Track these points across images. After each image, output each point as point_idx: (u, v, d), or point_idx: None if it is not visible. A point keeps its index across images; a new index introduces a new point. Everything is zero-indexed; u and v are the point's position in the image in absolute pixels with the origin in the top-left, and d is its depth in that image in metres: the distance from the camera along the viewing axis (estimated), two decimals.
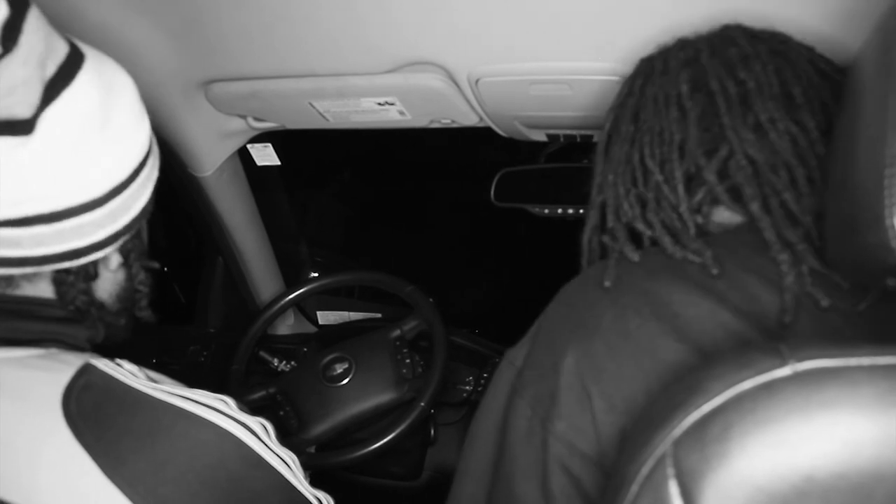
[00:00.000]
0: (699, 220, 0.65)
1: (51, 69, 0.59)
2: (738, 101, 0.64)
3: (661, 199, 0.66)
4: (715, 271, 0.57)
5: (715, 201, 0.65)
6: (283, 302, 1.50)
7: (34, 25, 0.56)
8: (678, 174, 0.65)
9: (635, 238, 0.67)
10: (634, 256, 0.63)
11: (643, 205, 0.67)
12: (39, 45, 0.56)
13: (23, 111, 0.56)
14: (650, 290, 0.58)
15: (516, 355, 0.66)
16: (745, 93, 0.64)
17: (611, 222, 0.68)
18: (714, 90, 0.65)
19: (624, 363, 0.55)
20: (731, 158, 0.63)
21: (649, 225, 0.66)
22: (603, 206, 0.71)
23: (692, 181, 0.65)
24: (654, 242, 0.65)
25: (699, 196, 0.65)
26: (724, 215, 0.65)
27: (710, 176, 0.63)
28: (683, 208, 0.64)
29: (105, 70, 0.65)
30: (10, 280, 0.64)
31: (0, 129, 0.56)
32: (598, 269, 0.65)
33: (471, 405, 1.50)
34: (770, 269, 0.56)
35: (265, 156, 1.35)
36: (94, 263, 0.68)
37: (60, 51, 0.60)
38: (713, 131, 0.65)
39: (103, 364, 0.61)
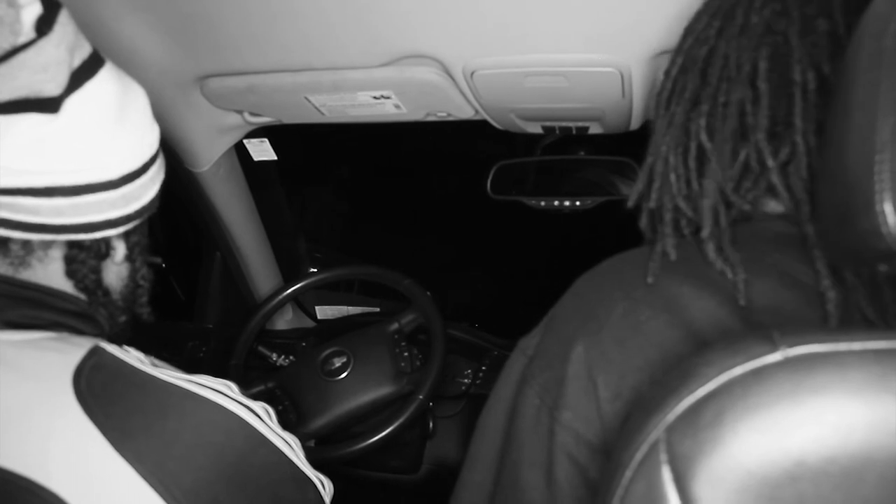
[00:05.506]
0: (746, 207, 0.61)
1: (77, 61, 0.65)
2: (815, 101, 0.57)
3: (711, 186, 0.61)
4: (742, 302, 0.54)
5: (768, 193, 0.61)
6: (281, 297, 1.50)
7: (65, 19, 0.64)
8: (734, 160, 0.60)
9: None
10: (672, 253, 0.60)
11: (690, 188, 0.63)
12: (70, 35, 0.64)
13: (52, 89, 0.63)
14: (663, 284, 0.57)
15: (528, 344, 0.66)
16: (826, 91, 0.57)
17: (654, 202, 0.65)
18: (795, 80, 0.58)
19: (631, 354, 0.55)
20: (790, 163, 0.59)
21: (697, 214, 0.62)
22: (650, 173, 0.66)
23: (747, 169, 0.61)
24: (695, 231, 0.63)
25: (749, 185, 0.61)
26: (770, 205, 0.62)
27: (775, 178, 0.59)
28: (734, 198, 0.60)
29: (122, 76, 0.72)
30: (22, 259, 0.68)
31: (31, 105, 0.62)
32: (612, 263, 0.64)
33: (469, 398, 1.51)
34: (790, 265, 0.56)
35: (262, 151, 1.35)
36: (106, 243, 0.73)
37: (86, 48, 0.67)
38: (780, 123, 0.60)
39: (112, 347, 0.63)
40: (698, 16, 0.67)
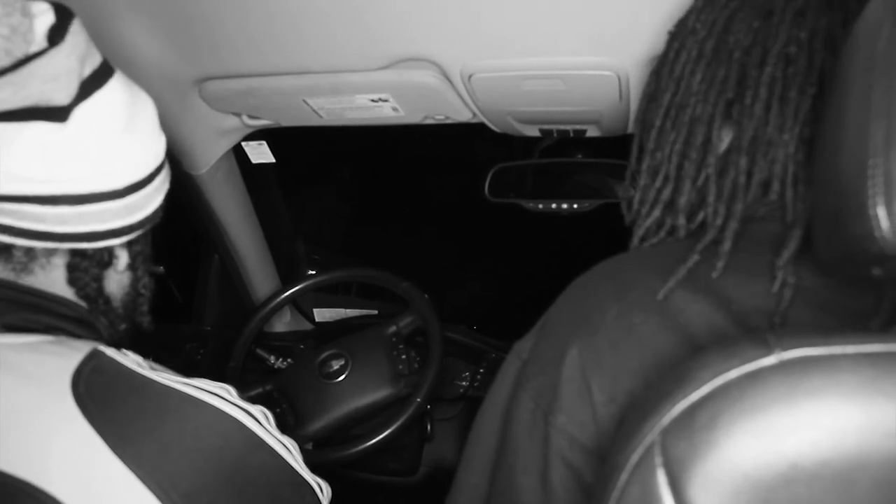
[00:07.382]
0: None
1: (87, 70, 0.66)
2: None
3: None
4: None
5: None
6: (279, 299, 1.50)
7: (77, 29, 0.64)
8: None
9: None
10: (689, 260, 0.58)
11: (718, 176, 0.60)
12: (81, 44, 0.64)
13: (61, 98, 0.63)
14: (657, 287, 0.57)
15: (523, 348, 0.66)
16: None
17: (668, 192, 0.63)
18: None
19: (625, 357, 0.55)
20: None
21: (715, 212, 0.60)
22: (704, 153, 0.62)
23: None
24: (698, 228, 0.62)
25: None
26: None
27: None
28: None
29: (131, 85, 0.72)
30: (25, 265, 0.68)
31: (39, 113, 0.62)
32: (605, 266, 0.65)
33: (467, 401, 1.51)
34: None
35: (260, 153, 1.35)
36: (109, 252, 0.73)
37: (96, 58, 0.68)
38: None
39: (111, 351, 0.63)
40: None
